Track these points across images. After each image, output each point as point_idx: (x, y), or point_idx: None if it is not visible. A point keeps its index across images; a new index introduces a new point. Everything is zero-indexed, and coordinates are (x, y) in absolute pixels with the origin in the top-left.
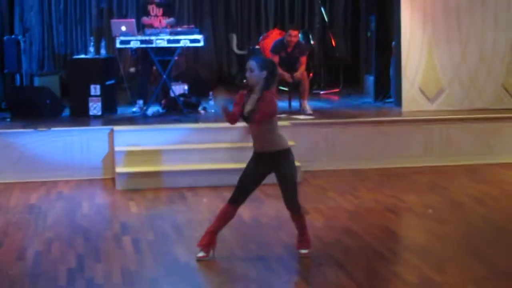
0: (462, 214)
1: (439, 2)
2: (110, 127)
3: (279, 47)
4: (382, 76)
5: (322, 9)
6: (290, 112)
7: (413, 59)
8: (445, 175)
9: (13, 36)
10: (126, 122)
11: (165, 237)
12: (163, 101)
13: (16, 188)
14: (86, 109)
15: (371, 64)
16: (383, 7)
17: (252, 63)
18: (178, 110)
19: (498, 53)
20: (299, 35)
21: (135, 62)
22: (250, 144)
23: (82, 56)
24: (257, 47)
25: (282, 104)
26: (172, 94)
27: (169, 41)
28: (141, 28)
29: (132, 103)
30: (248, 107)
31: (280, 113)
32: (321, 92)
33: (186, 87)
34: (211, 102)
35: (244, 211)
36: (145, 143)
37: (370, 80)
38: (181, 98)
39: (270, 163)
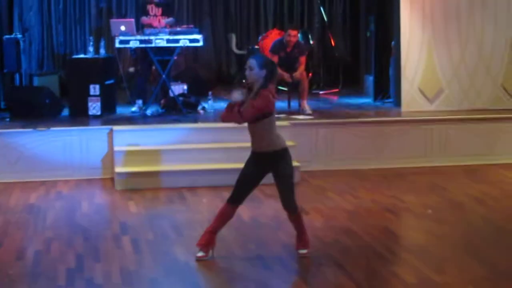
0: (462, 214)
1: (439, 2)
2: (109, 127)
3: (278, 47)
4: (381, 76)
5: (322, 9)
6: (290, 112)
7: (413, 59)
8: (444, 175)
9: (12, 36)
10: (125, 122)
11: (164, 237)
12: (162, 101)
13: (16, 188)
14: (86, 109)
15: (370, 64)
16: (383, 7)
17: (252, 62)
18: (178, 110)
19: (497, 53)
20: (299, 35)
21: (135, 62)
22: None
23: (82, 55)
24: (256, 47)
25: (281, 104)
26: (171, 94)
27: (168, 40)
28: (140, 28)
29: (132, 103)
30: (235, 95)
31: (279, 113)
32: (321, 92)
33: (185, 87)
34: (211, 102)
35: (243, 211)
36: (144, 143)
37: (369, 80)
38: (181, 98)
39: (268, 163)
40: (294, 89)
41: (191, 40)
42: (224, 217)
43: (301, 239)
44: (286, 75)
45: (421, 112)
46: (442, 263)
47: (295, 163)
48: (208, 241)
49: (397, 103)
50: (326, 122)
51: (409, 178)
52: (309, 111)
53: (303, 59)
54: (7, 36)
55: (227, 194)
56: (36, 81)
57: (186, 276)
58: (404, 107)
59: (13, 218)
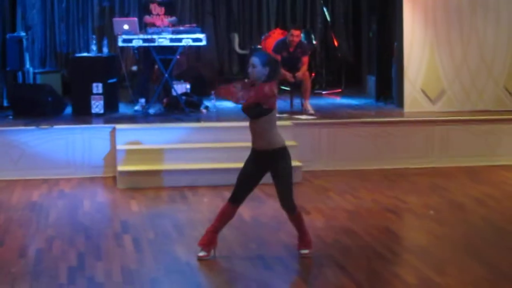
0: (463, 215)
1: (441, 3)
2: (112, 125)
3: (281, 47)
4: (383, 77)
5: (324, 9)
6: (292, 112)
7: (415, 60)
8: (445, 176)
9: (15, 34)
10: (128, 121)
11: (165, 236)
12: (164, 100)
13: (18, 186)
14: (88, 107)
15: (372, 64)
16: (385, 7)
17: (254, 59)
18: (180, 109)
19: (499, 54)
20: (301, 35)
21: (137, 60)
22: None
23: (84, 54)
24: (259, 46)
25: (283, 104)
26: (174, 93)
27: (171, 40)
28: (143, 27)
29: (134, 102)
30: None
31: (282, 113)
32: (323, 92)
33: (188, 86)
34: (213, 101)
35: (244, 210)
36: (146, 141)
37: (372, 80)
38: (183, 97)
39: (267, 162)
40: (297, 89)
41: (194, 40)
42: (225, 216)
43: (303, 239)
44: (288, 75)
45: (423, 112)
46: (442, 264)
47: (297, 163)
48: (209, 241)
49: (399, 103)
50: (328, 122)
51: (410, 178)
52: (311, 111)
53: (305, 59)
54: (10, 34)
55: (228, 194)
56: (39, 79)
57: (187, 276)
58: (406, 108)
59: (15, 216)
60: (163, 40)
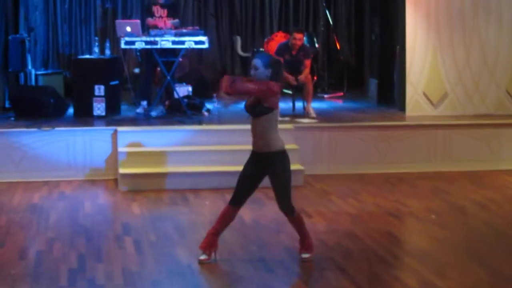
0: (464, 219)
1: (444, 6)
2: (114, 127)
3: (284, 50)
4: (385, 80)
5: (327, 12)
6: (294, 115)
7: (417, 64)
8: (447, 180)
9: (18, 35)
10: (129, 123)
11: (167, 238)
12: (166, 103)
13: (19, 188)
14: (90, 109)
15: (375, 67)
16: (388, 11)
17: (257, 61)
18: (182, 112)
19: (502, 58)
20: (304, 38)
21: (140, 63)
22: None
23: (87, 56)
24: (261, 49)
25: (285, 107)
26: (176, 96)
27: (173, 42)
28: (145, 29)
29: (136, 104)
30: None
31: (284, 116)
32: (325, 96)
33: (190, 88)
34: (215, 104)
35: (245, 213)
36: (148, 144)
37: (374, 83)
38: (185, 100)
39: (265, 164)
40: (299, 92)
41: (197, 42)
42: (226, 219)
43: (304, 242)
44: (291, 78)
45: (425, 116)
46: (444, 268)
47: (298, 166)
48: (210, 244)
49: (401, 107)
50: (330, 126)
51: (412, 182)
52: (313, 115)
53: (308, 62)
54: (12, 36)
55: (229, 197)
56: (41, 81)
57: (188, 278)
58: (408, 112)
59: (16, 217)
60: (166, 42)
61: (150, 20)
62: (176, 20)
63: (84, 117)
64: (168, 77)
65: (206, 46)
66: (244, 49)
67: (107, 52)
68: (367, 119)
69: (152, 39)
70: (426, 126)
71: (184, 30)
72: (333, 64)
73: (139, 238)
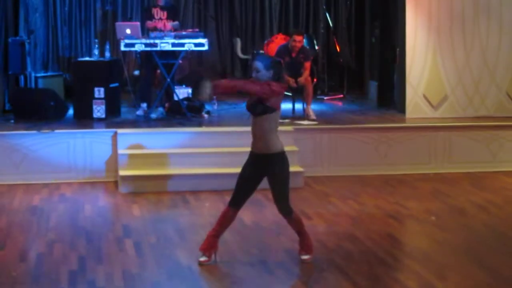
0: (464, 221)
1: (444, 8)
2: (114, 130)
3: (283, 52)
4: (385, 82)
5: (327, 14)
6: (294, 117)
7: (417, 66)
8: (447, 182)
9: (17, 38)
10: (129, 125)
11: (167, 240)
12: (166, 105)
13: (19, 190)
14: (90, 111)
15: (375, 70)
16: (388, 13)
17: (257, 64)
18: (182, 114)
19: (502, 60)
20: (304, 40)
21: (139, 65)
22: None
23: (87, 58)
24: (261, 51)
25: (285, 109)
26: (175, 98)
27: (173, 44)
28: (145, 31)
29: (136, 106)
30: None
31: (284, 118)
32: (325, 98)
33: (190, 90)
34: (215, 106)
35: (245, 215)
36: (148, 146)
37: (374, 86)
38: (185, 102)
39: (264, 165)
40: (299, 94)
41: (196, 44)
42: (225, 220)
43: (304, 244)
44: (291, 80)
45: (425, 118)
46: (444, 270)
47: (298, 168)
48: (210, 245)
49: (401, 109)
50: (329, 128)
51: (412, 184)
52: (313, 117)
53: (308, 64)
54: (12, 38)
55: (229, 198)
56: (41, 83)
57: (188, 280)
58: (408, 114)
59: (17, 219)
60: (166, 44)
61: (149, 23)
62: (176, 22)
63: (84, 119)
64: (168, 79)
65: (206, 48)
66: (244, 51)
67: (107, 54)
68: (367, 121)
69: (152, 41)
70: (426, 128)
71: (184, 32)
72: (333, 66)
73: (139, 240)
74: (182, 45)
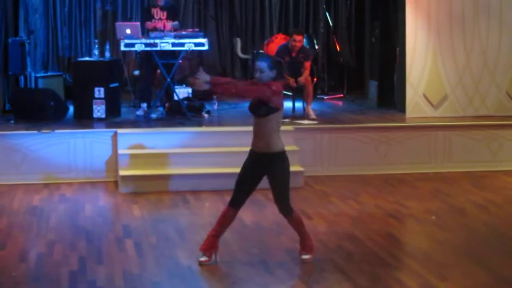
0: (464, 221)
1: (444, 8)
2: (114, 129)
3: (283, 52)
4: (385, 82)
5: (327, 14)
6: (294, 117)
7: (417, 65)
8: (447, 182)
9: (17, 38)
10: (129, 125)
11: (167, 240)
12: (166, 105)
13: (19, 190)
14: (90, 111)
15: (375, 69)
16: (388, 12)
17: (262, 64)
18: (182, 114)
19: (502, 60)
20: (304, 40)
21: (139, 65)
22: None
23: (87, 58)
24: (261, 51)
25: (285, 108)
26: (175, 98)
27: (173, 44)
28: (145, 32)
29: (136, 106)
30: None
31: (284, 118)
32: (325, 97)
33: (190, 90)
34: (215, 106)
35: (246, 215)
36: (148, 146)
37: (374, 85)
38: (185, 102)
39: (264, 164)
40: (299, 94)
41: (196, 44)
42: (225, 220)
43: (304, 244)
44: (291, 80)
45: (425, 118)
46: (444, 269)
47: (298, 168)
48: (211, 245)
49: (402, 109)
50: (330, 127)
51: (412, 184)
52: (313, 116)
53: (308, 64)
54: (12, 38)
55: (229, 198)
56: (41, 84)
57: (188, 280)
58: (409, 113)
59: (17, 220)
60: (166, 44)
61: (149, 23)
62: (176, 22)
63: (84, 119)
64: (168, 79)
65: (206, 48)
66: (244, 51)
67: (107, 54)
68: (367, 120)
69: (152, 41)
70: (426, 128)
71: (183, 32)
72: (333, 66)
73: (139, 240)
74: (182, 45)
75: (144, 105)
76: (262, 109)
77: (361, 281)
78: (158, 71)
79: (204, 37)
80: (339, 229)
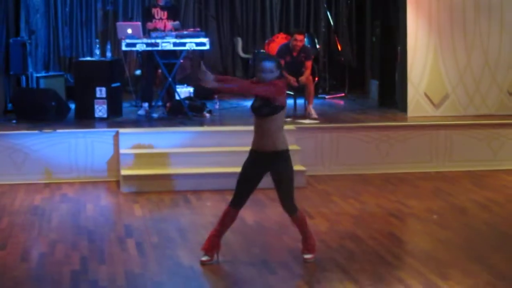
0: (466, 220)
1: (445, 7)
2: (115, 129)
3: (285, 51)
4: (387, 81)
5: (328, 13)
6: (295, 116)
7: (418, 64)
8: (449, 181)
9: (19, 38)
10: (131, 125)
11: (169, 240)
12: (167, 105)
13: (21, 190)
14: (92, 111)
15: (376, 69)
16: (389, 12)
17: (269, 64)
18: (183, 114)
19: (503, 59)
20: (305, 39)
21: (141, 65)
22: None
23: (88, 58)
24: (262, 51)
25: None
26: (177, 97)
27: (175, 44)
28: (146, 32)
29: (138, 106)
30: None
31: (285, 117)
32: (326, 97)
33: (191, 90)
34: (216, 106)
35: (248, 215)
36: (150, 146)
37: (375, 85)
38: (186, 101)
39: (268, 163)
40: (300, 93)
41: (198, 44)
42: (227, 220)
43: (307, 243)
44: (292, 79)
45: (426, 117)
46: (446, 268)
47: (300, 167)
48: (212, 245)
49: (403, 108)
50: (331, 127)
51: (413, 183)
52: (314, 116)
53: (309, 63)
54: (13, 38)
55: (231, 198)
56: (42, 84)
57: (190, 280)
58: (410, 112)
59: (18, 219)
60: (167, 44)
61: (149, 24)
62: (177, 22)
63: (86, 119)
64: (169, 79)
65: (207, 47)
66: (245, 50)
67: (108, 54)
68: (368, 120)
69: (153, 41)
70: (427, 127)
71: (185, 32)
72: (334, 65)
73: (141, 240)
74: (184, 44)
75: (146, 104)
76: (266, 109)
77: (362, 280)
78: (160, 70)
79: (205, 36)
80: (340, 228)
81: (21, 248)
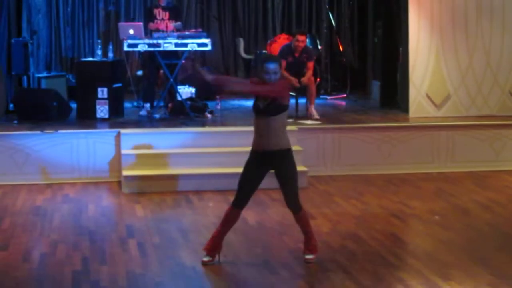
0: (468, 221)
1: (447, 8)
2: (117, 130)
3: (287, 52)
4: (388, 82)
5: (330, 14)
6: (297, 117)
7: (420, 65)
8: (451, 182)
9: (20, 39)
10: (133, 125)
11: (170, 240)
12: (169, 105)
13: (22, 190)
14: (93, 111)
15: (378, 69)
16: (391, 13)
17: (276, 66)
18: (185, 114)
19: (505, 60)
20: (307, 40)
21: (142, 65)
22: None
23: (90, 59)
24: (264, 51)
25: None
26: (179, 98)
27: (176, 44)
28: (148, 32)
29: (139, 107)
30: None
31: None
32: (328, 97)
33: (193, 90)
34: (218, 106)
35: (249, 215)
36: (151, 146)
37: (377, 85)
38: (188, 102)
39: (272, 162)
40: (302, 94)
41: (199, 44)
42: (229, 221)
43: (309, 243)
44: (294, 80)
45: (428, 118)
46: (448, 269)
47: (302, 168)
48: (214, 246)
49: (405, 109)
50: (333, 127)
51: (415, 183)
52: (316, 116)
53: (311, 64)
54: (15, 39)
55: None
56: (44, 84)
57: (192, 281)
58: (412, 113)
59: (20, 220)
60: (169, 45)
61: (151, 25)
62: (178, 23)
63: (88, 119)
64: (171, 80)
65: (209, 48)
66: (247, 51)
67: (110, 54)
68: (370, 120)
69: (155, 41)
70: (429, 127)
71: (187, 33)
72: (336, 66)
73: (142, 241)
74: (185, 45)
75: (147, 105)
76: (273, 109)
77: (364, 280)
78: (161, 71)
79: (207, 37)
80: (342, 229)
81: (23, 249)
